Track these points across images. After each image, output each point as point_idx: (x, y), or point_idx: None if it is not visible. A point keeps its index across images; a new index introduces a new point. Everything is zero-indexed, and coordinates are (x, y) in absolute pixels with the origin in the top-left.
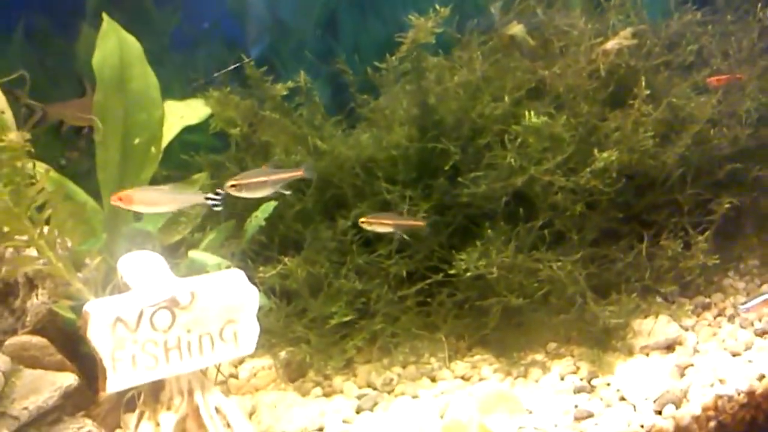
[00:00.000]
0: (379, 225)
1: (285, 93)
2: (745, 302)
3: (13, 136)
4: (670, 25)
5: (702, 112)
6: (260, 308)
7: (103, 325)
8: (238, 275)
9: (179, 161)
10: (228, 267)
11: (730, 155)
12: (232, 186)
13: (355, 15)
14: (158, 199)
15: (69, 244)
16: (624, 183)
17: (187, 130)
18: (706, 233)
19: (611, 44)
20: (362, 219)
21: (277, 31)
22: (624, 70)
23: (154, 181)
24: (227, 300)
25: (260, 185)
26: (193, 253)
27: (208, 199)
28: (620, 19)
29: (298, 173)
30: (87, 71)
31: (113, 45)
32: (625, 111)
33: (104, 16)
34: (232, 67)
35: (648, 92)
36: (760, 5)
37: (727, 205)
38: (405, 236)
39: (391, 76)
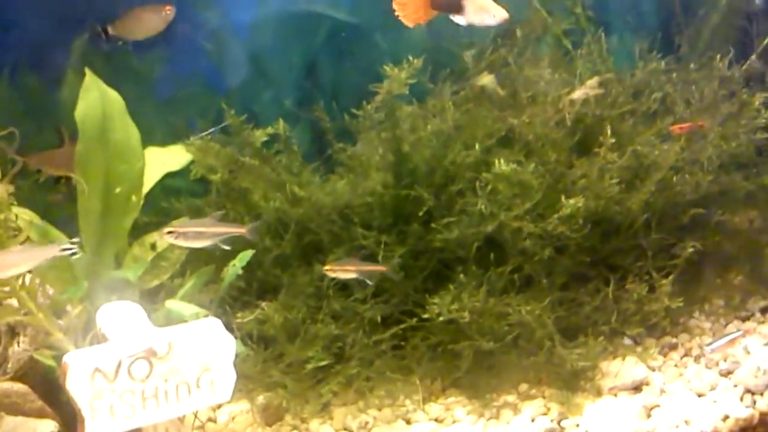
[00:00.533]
0: (342, 272)
1: (265, 139)
2: (711, 343)
3: None
4: (635, 73)
5: (666, 159)
6: (237, 355)
7: (81, 375)
8: (215, 324)
9: (160, 207)
10: (205, 316)
11: (693, 201)
12: (169, 233)
13: (334, 63)
14: (10, 261)
15: (51, 292)
16: (590, 228)
17: (169, 175)
18: (671, 276)
19: (578, 94)
20: (326, 267)
21: (258, 78)
22: (590, 119)
23: (135, 228)
24: (204, 349)
25: (198, 236)
26: (170, 303)
27: (64, 250)
28: (588, 68)
29: (240, 231)
30: (69, 120)
31: (95, 98)
32: (591, 158)
33: (87, 70)
34: (213, 130)
35: (613, 140)
36: (719, 55)
37: (690, 249)
38: (378, 282)
39: (367, 123)
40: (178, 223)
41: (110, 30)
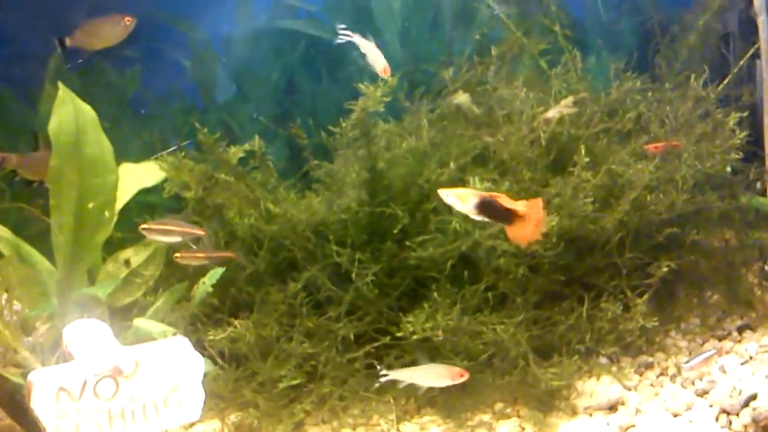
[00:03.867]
0: (193, 259)
1: (241, 156)
2: (688, 361)
3: None
4: (610, 92)
5: (640, 178)
6: (206, 374)
7: (46, 394)
8: (183, 343)
9: (135, 223)
10: (174, 334)
11: (667, 220)
12: (144, 228)
13: (312, 80)
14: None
15: (18, 308)
16: (565, 247)
17: (144, 191)
18: (646, 295)
19: (552, 112)
20: (176, 254)
21: (235, 94)
22: (565, 138)
23: (109, 244)
24: (171, 368)
25: (167, 233)
26: (138, 321)
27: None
28: (564, 87)
29: (199, 233)
30: (44, 129)
31: (69, 112)
32: (565, 177)
33: (60, 84)
34: (176, 147)
35: (588, 159)
36: (693, 75)
37: (665, 268)
38: (352, 299)
39: (344, 140)
40: (156, 221)
41: (68, 41)
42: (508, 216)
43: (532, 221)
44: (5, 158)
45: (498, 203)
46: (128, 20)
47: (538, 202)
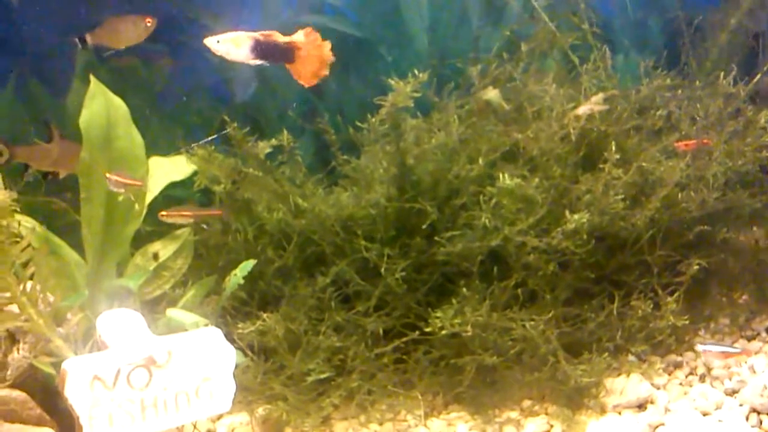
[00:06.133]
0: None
1: (268, 151)
2: (706, 343)
3: (0, 195)
4: (640, 90)
5: (671, 175)
6: (237, 366)
7: (80, 383)
8: (215, 334)
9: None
10: (206, 325)
11: (698, 218)
12: (163, 215)
13: (339, 76)
14: None
15: (51, 299)
16: (595, 244)
17: (173, 185)
18: (676, 294)
19: (582, 109)
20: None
21: (263, 90)
22: (595, 134)
23: (137, 237)
24: (203, 358)
25: (183, 216)
26: (171, 312)
27: None
28: (593, 83)
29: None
30: (59, 120)
31: (100, 105)
32: (596, 174)
33: (92, 77)
34: (209, 139)
35: (618, 156)
36: (723, 73)
37: (696, 267)
38: (381, 295)
39: (371, 136)
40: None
41: (89, 39)
42: (288, 52)
43: (313, 55)
44: (12, 152)
45: (274, 40)
46: (149, 21)
47: (316, 33)
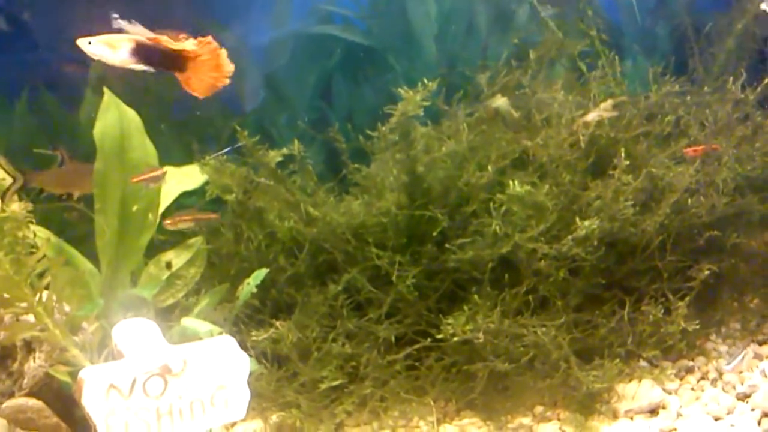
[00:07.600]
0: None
1: (280, 160)
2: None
3: (16, 207)
4: (649, 96)
5: (680, 181)
6: (251, 373)
7: (97, 392)
8: (230, 342)
9: None
10: (220, 333)
11: (708, 223)
12: (168, 223)
13: (350, 85)
14: None
15: (67, 309)
16: (605, 250)
17: (185, 194)
18: (687, 298)
19: (592, 116)
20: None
21: (274, 99)
22: (604, 141)
23: (149, 247)
24: (218, 367)
25: (184, 221)
26: (186, 321)
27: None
28: (602, 90)
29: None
30: (67, 143)
31: (114, 117)
32: (605, 180)
33: (105, 89)
34: (226, 150)
35: (627, 162)
36: (732, 78)
37: (706, 272)
38: (392, 302)
39: (382, 144)
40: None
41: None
42: (176, 60)
43: (207, 64)
44: (26, 179)
45: (159, 45)
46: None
47: (213, 41)
